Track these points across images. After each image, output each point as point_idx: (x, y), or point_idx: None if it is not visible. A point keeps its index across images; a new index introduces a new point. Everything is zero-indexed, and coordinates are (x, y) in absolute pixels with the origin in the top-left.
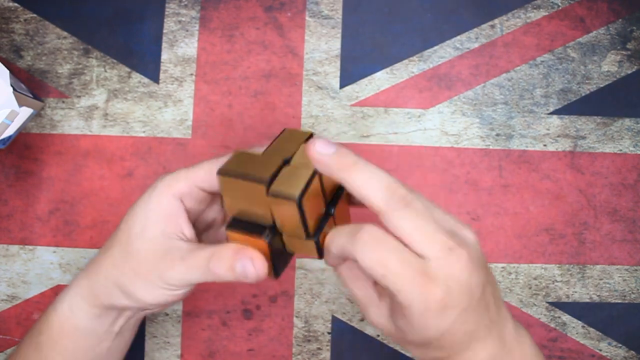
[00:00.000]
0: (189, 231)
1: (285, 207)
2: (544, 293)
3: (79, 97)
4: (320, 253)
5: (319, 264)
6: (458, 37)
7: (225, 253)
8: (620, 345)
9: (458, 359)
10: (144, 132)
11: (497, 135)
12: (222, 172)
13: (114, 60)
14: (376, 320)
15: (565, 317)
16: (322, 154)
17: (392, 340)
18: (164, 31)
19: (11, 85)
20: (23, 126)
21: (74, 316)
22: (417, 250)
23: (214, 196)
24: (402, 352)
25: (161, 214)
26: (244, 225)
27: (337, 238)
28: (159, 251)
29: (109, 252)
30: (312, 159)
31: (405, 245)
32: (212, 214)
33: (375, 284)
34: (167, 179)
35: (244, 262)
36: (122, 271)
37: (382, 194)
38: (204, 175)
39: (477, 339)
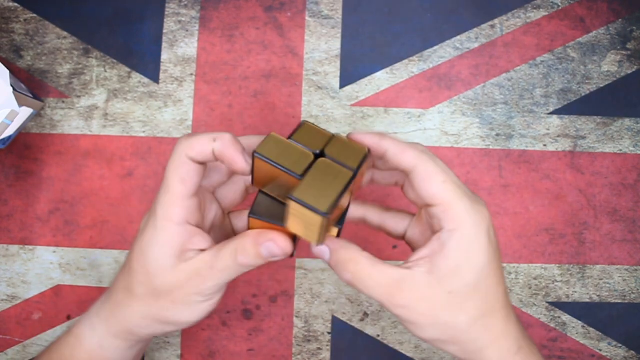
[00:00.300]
0: (204, 242)
1: (310, 215)
2: (544, 293)
3: (79, 97)
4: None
5: (319, 264)
6: (458, 37)
7: (247, 244)
8: (620, 345)
9: (499, 311)
10: (144, 132)
11: (497, 135)
12: (259, 155)
13: (114, 60)
14: (415, 295)
15: (565, 317)
16: (363, 139)
17: (428, 322)
18: (164, 31)
19: (11, 85)
20: (23, 126)
21: (105, 350)
22: (447, 195)
23: (208, 192)
24: (402, 352)
25: (174, 244)
26: (265, 212)
27: (391, 144)
28: (187, 275)
29: (134, 295)
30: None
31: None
32: (213, 212)
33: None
34: (160, 210)
35: (267, 245)
36: (160, 306)
37: (413, 145)
38: (181, 188)
39: (506, 295)
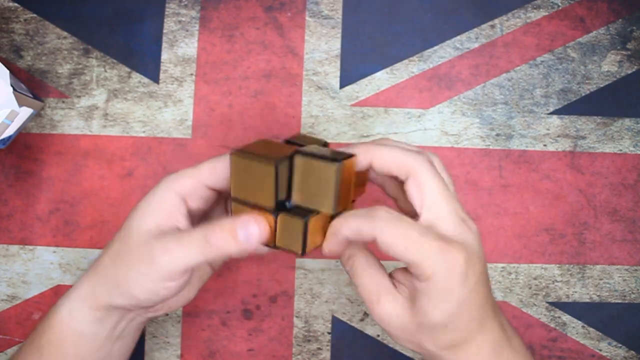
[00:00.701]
0: (184, 224)
1: (323, 169)
2: (544, 293)
3: (79, 97)
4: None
5: (318, 264)
6: (458, 37)
7: (225, 221)
8: (620, 345)
9: (472, 341)
10: (144, 132)
11: (497, 135)
12: (235, 153)
13: (114, 60)
14: (390, 310)
15: (565, 317)
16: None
17: (398, 334)
18: (164, 31)
19: (11, 85)
20: (23, 126)
21: (75, 320)
22: (434, 211)
23: (219, 197)
24: (402, 352)
25: (160, 209)
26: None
27: (351, 221)
28: (151, 240)
29: (108, 251)
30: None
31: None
32: (216, 214)
33: (390, 275)
34: (171, 177)
35: (246, 225)
36: (119, 266)
37: (410, 160)
38: (208, 172)
39: (487, 317)
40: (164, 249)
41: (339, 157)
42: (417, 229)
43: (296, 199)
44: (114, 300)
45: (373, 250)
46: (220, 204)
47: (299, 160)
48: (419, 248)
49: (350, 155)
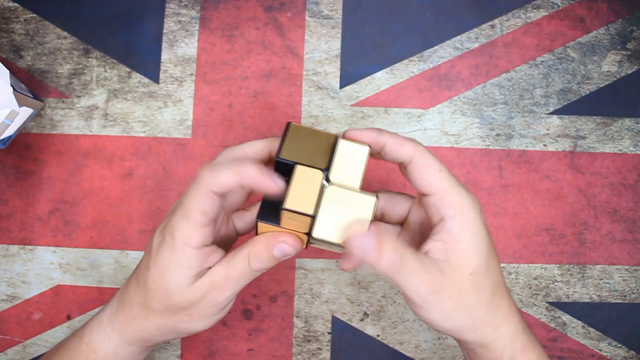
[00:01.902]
0: (218, 257)
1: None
2: (544, 293)
3: (79, 97)
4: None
5: (318, 264)
6: (458, 37)
7: (259, 249)
8: (620, 345)
9: (504, 290)
10: (144, 132)
11: (497, 135)
12: (282, 160)
13: (114, 60)
14: (443, 279)
15: (565, 317)
16: (362, 136)
17: (456, 308)
18: (164, 31)
19: (11, 85)
20: (23, 126)
21: (121, 356)
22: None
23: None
24: (402, 352)
25: (193, 265)
26: (272, 216)
27: (392, 136)
28: (203, 290)
29: (151, 310)
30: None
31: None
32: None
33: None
34: (179, 233)
35: (279, 247)
36: (177, 319)
37: (408, 141)
38: (203, 217)
39: (504, 282)
40: (220, 291)
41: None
42: (445, 166)
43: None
44: (171, 339)
45: None
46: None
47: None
48: (450, 178)
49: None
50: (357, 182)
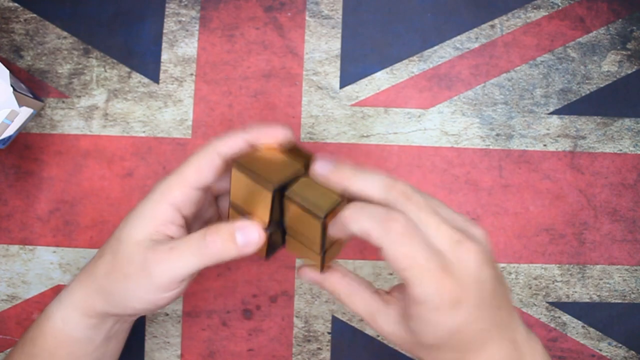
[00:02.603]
0: (176, 233)
1: (309, 220)
2: (544, 293)
3: (79, 97)
4: (322, 265)
5: None
6: (458, 37)
7: (222, 226)
8: (620, 345)
9: (481, 355)
10: (144, 132)
11: (497, 135)
12: (237, 166)
13: (114, 60)
14: (386, 328)
15: (565, 317)
16: (323, 173)
17: (401, 347)
18: (164, 31)
19: (11, 85)
20: (23, 126)
21: (69, 327)
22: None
23: (209, 196)
24: (402, 352)
25: (153, 219)
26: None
27: (364, 221)
28: (145, 252)
29: (100, 260)
30: (317, 176)
31: None
32: (209, 214)
33: (377, 292)
34: (161, 187)
35: (245, 229)
36: (114, 279)
37: (381, 191)
38: (195, 175)
39: (491, 340)
40: (160, 259)
41: (325, 206)
42: (425, 253)
43: (288, 226)
44: (111, 310)
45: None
46: (212, 205)
47: (287, 203)
48: (418, 272)
49: (338, 203)
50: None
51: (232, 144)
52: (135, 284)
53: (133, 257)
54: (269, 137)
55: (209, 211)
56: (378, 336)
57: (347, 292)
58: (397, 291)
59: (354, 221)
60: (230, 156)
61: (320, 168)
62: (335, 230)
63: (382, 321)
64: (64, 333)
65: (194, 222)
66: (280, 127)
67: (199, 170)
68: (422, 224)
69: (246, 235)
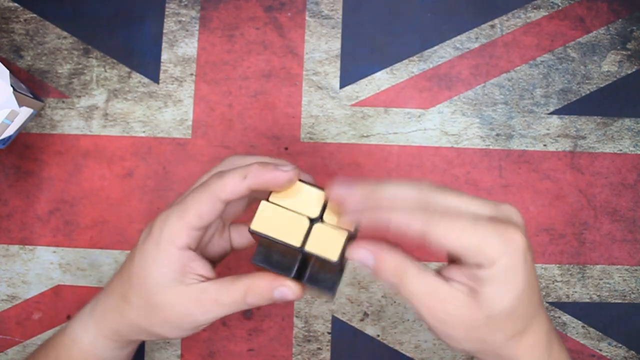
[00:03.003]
0: (204, 270)
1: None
2: (544, 293)
3: (79, 97)
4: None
5: None
6: (458, 37)
7: (262, 286)
8: (620, 345)
9: (530, 327)
10: (144, 132)
11: (497, 135)
12: (255, 233)
13: (114, 60)
14: (453, 312)
15: (565, 317)
16: (341, 194)
17: (464, 336)
18: (164, 31)
19: (11, 85)
20: (23, 126)
21: (97, 349)
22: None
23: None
24: (402, 352)
25: (173, 267)
26: (270, 260)
27: (400, 216)
28: (186, 299)
29: (129, 304)
30: (334, 201)
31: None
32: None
33: (440, 275)
34: (165, 233)
35: (281, 290)
36: (151, 322)
37: (411, 191)
38: (197, 221)
39: (541, 304)
40: (205, 310)
41: (333, 287)
42: (465, 217)
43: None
44: (145, 338)
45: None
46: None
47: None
48: (473, 233)
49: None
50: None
51: (233, 189)
52: (175, 327)
53: (174, 307)
54: (272, 182)
55: (214, 225)
56: (378, 336)
57: (417, 271)
58: (453, 269)
59: (392, 214)
60: (230, 200)
61: (339, 189)
62: (365, 221)
63: (448, 305)
64: (92, 354)
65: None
66: (287, 169)
67: (201, 217)
68: (458, 201)
69: (283, 294)
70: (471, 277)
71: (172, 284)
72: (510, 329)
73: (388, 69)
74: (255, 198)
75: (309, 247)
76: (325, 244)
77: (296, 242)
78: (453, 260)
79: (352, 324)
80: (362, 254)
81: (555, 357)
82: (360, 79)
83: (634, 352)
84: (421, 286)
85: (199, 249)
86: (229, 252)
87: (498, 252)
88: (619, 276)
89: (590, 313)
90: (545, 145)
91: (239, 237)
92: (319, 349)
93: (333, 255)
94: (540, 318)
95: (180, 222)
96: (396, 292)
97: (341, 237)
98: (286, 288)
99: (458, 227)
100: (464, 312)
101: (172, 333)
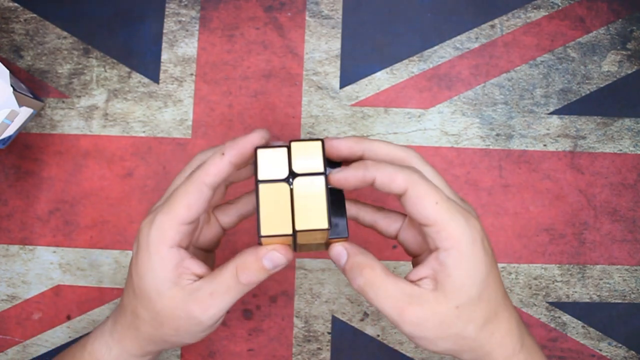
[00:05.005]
0: (197, 268)
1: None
2: (544, 293)
3: (79, 97)
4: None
5: (318, 264)
6: (458, 37)
7: (248, 259)
8: (620, 345)
9: (501, 315)
10: (144, 132)
11: (497, 135)
12: (263, 237)
13: (114, 60)
14: (422, 312)
15: (565, 317)
16: (335, 141)
17: (438, 336)
18: (164, 31)
19: (11, 85)
20: (23, 126)
21: None
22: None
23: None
24: (402, 352)
25: (166, 268)
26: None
27: (384, 167)
28: (186, 303)
29: (140, 319)
30: (331, 150)
31: None
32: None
33: (404, 280)
34: (154, 232)
35: (269, 256)
36: (164, 332)
37: (399, 153)
38: (186, 214)
39: (506, 294)
40: (205, 307)
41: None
42: (442, 193)
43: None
44: (165, 348)
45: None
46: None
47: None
48: (448, 208)
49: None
50: (320, 167)
51: (217, 171)
52: (187, 333)
53: (176, 312)
54: (248, 146)
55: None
56: (378, 336)
57: (383, 273)
58: (419, 269)
59: (379, 168)
60: (218, 183)
61: (336, 141)
62: (352, 175)
63: (417, 305)
64: None
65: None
66: (255, 132)
67: (189, 207)
68: (438, 183)
69: (273, 260)
70: (435, 267)
71: (170, 288)
72: (480, 317)
73: (388, 69)
74: (231, 182)
75: (299, 226)
76: (311, 213)
77: (288, 230)
78: (417, 262)
79: (352, 324)
80: (336, 251)
81: (527, 346)
82: (360, 79)
83: (634, 352)
84: (390, 290)
85: (191, 246)
86: (222, 234)
87: (460, 234)
88: (619, 276)
89: (590, 313)
90: (545, 145)
91: (226, 217)
92: (319, 349)
93: (322, 224)
94: (508, 308)
95: (167, 217)
96: (366, 298)
97: (322, 200)
98: (274, 252)
99: (437, 197)
100: (434, 308)
101: (186, 339)
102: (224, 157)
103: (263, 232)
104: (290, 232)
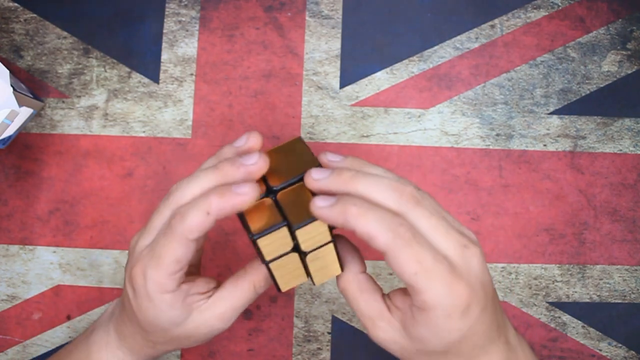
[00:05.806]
0: (203, 286)
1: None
2: (544, 293)
3: (79, 97)
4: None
5: None
6: (458, 37)
7: (262, 272)
8: (620, 345)
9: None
10: (144, 132)
11: (497, 135)
12: (257, 236)
13: (114, 60)
14: (385, 335)
15: (565, 317)
16: (319, 181)
17: (398, 354)
18: (164, 31)
19: (11, 85)
20: (23, 126)
21: None
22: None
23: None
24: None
25: (175, 306)
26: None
27: (370, 221)
28: (206, 322)
29: (155, 342)
30: (313, 188)
31: None
32: None
33: (384, 297)
34: (151, 284)
35: (239, 187)
36: (180, 343)
37: (391, 195)
38: (175, 266)
39: (491, 342)
40: (225, 320)
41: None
42: (433, 258)
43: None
44: (173, 350)
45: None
46: None
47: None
48: (428, 276)
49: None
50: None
51: (201, 228)
52: (201, 340)
53: (199, 330)
54: (238, 208)
55: None
56: None
57: (357, 289)
58: (398, 297)
59: (361, 221)
60: (200, 237)
61: (316, 175)
62: (333, 219)
63: (382, 327)
64: None
65: None
66: (242, 189)
67: (178, 261)
68: (431, 229)
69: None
70: (407, 313)
71: (186, 317)
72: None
73: (388, 69)
74: None
75: (317, 282)
76: (325, 269)
77: (304, 279)
78: None
79: (352, 324)
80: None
81: None
82: (360, 79)
83: (634, 352)
84: (368, 309)
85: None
86: (206, 237)
87: (438, 302)
88: (619, 276)
89: (590, 313)
90: (545, 145)
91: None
92: (319, 349)
93: (337, 271)
94: (490, 353)
95: (159, 273)
96: (348, 303)
97: (332, 254)
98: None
99: (417, 268)
100: (398, 339)
101: (198, 343)
102: (209, 217)
103: (282, 289)
104: (306, 279)
